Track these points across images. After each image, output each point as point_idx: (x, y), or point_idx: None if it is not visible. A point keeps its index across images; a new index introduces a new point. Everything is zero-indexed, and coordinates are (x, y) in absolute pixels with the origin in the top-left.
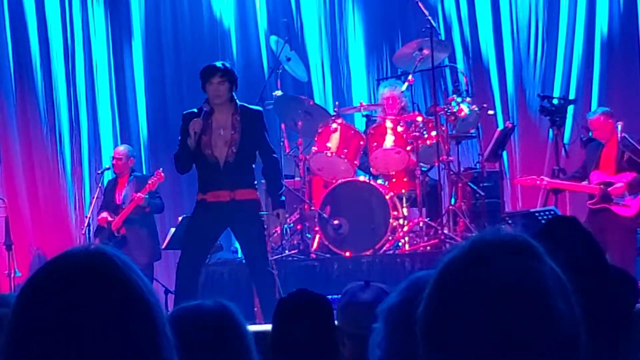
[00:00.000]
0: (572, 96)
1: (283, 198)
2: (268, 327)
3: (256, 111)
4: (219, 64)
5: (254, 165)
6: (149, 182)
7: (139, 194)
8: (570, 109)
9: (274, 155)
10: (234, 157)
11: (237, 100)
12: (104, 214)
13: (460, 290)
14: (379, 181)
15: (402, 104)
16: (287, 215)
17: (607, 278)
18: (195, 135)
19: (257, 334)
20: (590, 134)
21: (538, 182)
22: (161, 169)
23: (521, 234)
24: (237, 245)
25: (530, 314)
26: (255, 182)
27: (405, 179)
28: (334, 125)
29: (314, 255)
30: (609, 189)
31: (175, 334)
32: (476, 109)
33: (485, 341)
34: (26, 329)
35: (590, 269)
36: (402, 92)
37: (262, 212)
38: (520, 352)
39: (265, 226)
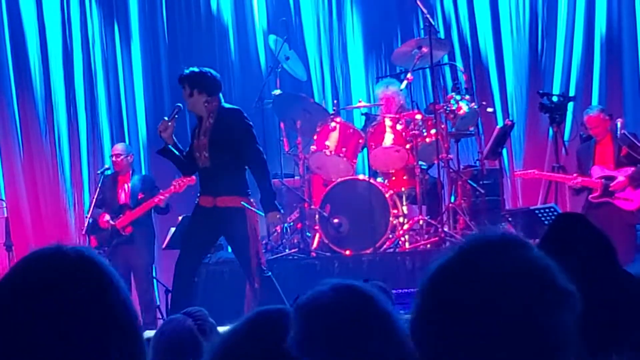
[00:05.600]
0: (572, 93)
1: (273, 201)
2: None
3: (232, 112)
4: (184, 72)
5: (245, 170)
6: (175, 184)
7: (164, 192)
8: (570, 106)
9: (258, 158)
10: (209, 162)
11: (215, 103)
12: (106, 217)
13: (449, 291)
14: (379, 179)
15: (400, 102)
16: (279, 217)
17: (618, 279)
18: (160, 135)
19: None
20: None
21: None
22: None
23: (507, 231)
24: None
25: (523, 299)
26: (249, 190)
27: (405, 177)
28: (333, 124)
29: (314, 254)
30: (610, 185)
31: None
32: (475, 106)
33: (473, 342)
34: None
35: (602, 268)
36: (397, 90)
37: (258, 212)
38: (514, 339)
39: (255, 229)
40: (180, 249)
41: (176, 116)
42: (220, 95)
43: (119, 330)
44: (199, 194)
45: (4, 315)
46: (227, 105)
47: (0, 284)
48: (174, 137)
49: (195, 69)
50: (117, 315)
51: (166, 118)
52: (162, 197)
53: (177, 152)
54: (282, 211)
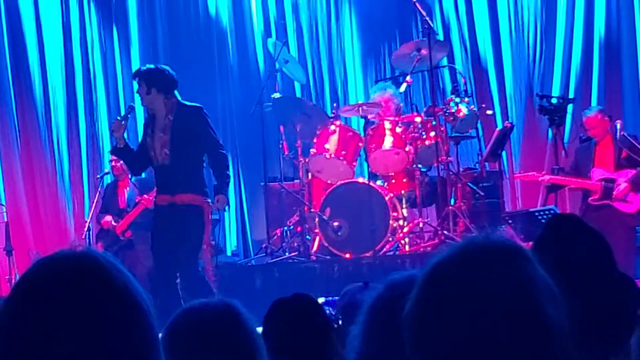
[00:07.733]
0: (571, 95)
1: (224, 188)
2: None
3: (193, 109)
4: (141, 68)
5: (203, 169)
6: None
7: (147, 196)
8: (570, 108)
9: (221, 151)
10: (169, 159)
11: (173, 100)
12: (108, 217)
13: (450, 292)
14: (379, 182)
15: (395, 106)
16: (219, 202)
17: (613, 279)
18: (113, 134)
19: None
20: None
21: (540, 178)
22: None
23: (511, 239)
24: (238, 248)
25: (520, 321)
26: (206, 189)
27: (404, 180)
28: (333, 127)
29: (314, 257)
30: (614, 193)
31: (180, 333)
32: (475, 109)
33: (472, 345)
34: (13, 331)
35: (597, 268)
36: (392, 93)
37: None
38: (507, 357)
39: (209, 227)
40: (152, 255)
41: (129, 116)
42: (176, 92)
43: (128, 330)
44: (155, 194)
45: (17, 317)
46: (186, 103)
47: (16, 286)
48: (125, 137)
49: (152, 67)
50: (127, 315)
51: (119, 117)
52: (151, 198)
53: (129, 152)
54: (228, 199)
